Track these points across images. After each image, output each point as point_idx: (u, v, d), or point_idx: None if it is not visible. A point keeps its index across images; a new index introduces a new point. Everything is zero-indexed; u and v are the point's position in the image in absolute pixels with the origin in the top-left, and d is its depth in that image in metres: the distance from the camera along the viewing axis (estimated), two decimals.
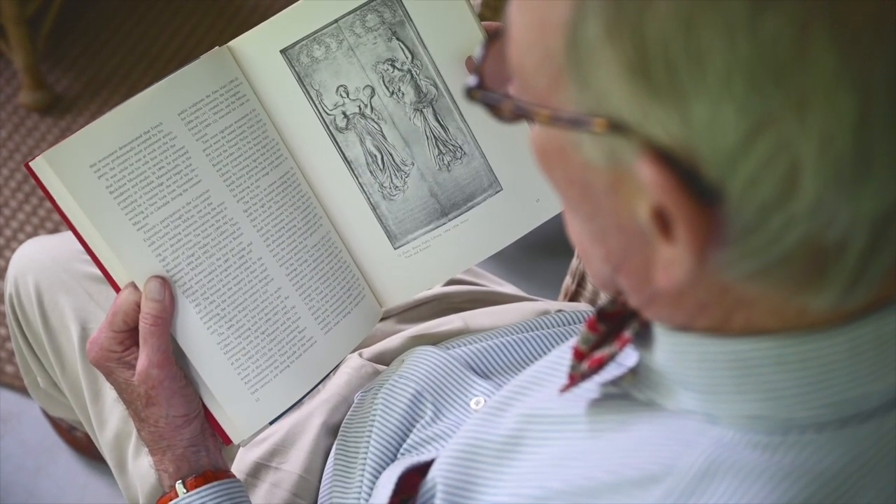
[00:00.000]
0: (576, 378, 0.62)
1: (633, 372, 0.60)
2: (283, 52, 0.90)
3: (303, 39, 0.89)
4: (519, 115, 0.52)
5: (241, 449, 1.00)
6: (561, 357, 0.70)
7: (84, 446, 1.64)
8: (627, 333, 0.60)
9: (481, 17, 0.91)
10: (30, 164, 0.81)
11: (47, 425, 1.69)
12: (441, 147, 0.93)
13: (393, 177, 0.93)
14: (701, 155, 0.45)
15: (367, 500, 0.87)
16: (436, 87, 0.91)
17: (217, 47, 0.89)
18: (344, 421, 0.96)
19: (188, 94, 0.85)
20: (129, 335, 0.83)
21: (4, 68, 2.20)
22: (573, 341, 0.65)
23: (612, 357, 0.60)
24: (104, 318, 0.84)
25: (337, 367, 0.99)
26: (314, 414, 0.99)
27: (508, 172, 0.93)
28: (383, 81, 0.91)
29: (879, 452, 0.53)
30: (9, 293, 1.19)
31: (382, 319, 1.07)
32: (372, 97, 0.91)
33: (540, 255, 1.74)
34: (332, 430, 0.98)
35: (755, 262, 0.48)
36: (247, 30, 0.90)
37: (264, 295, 0.87)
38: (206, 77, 0.87)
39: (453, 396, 0.90)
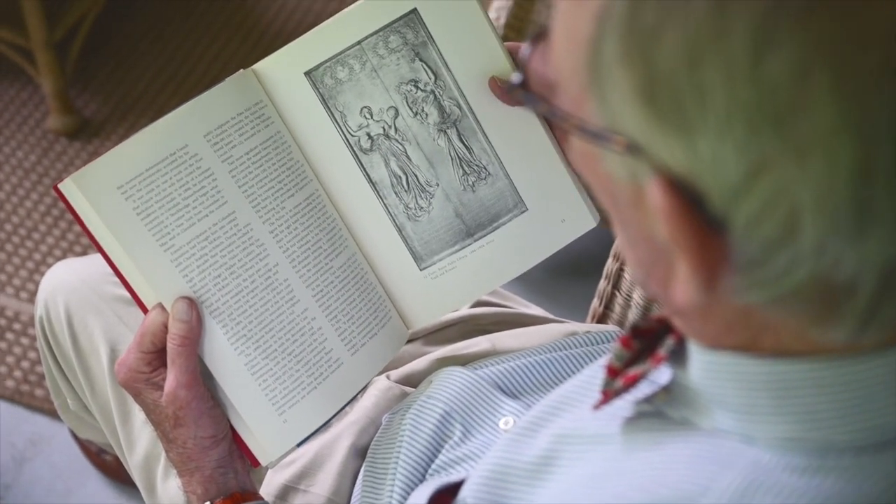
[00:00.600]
0: (609, 395, 0.62)
1: (667, 390, 0.60)
2: (307, 74, 0.90)
3: (327, 61, 0.90)
4: (552, 119, 0.52)
5: (269, 471, 1.00)
6: (592, 376, 0.70)
7: (113, 470, 1.65)
8: (662, 351, 0.59)
9: (504, 39, 0.91)
10: (58, 186, 0.81)
11: (77, 449, 1.70)
12: (465, 167, 0.93)
13: (418, 198, 0.93)
14: (706, 186, 0.45)
15: None
16: (459, 107, 0.91)
17: (241, 70, 0.89)
18: (372, 443, 0.96)
19: (213, 117, 0.86)
20: (157, 356, 0.84)
21: (33, 93, 2.22)
22: (604, 360, 0.65)
23: (645, 375, 0.60)
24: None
25: (364, 388, 0.99)
26: (342, 436, 0.99)
27: (534, 193, 0.93)
28: (407, 102, 0.91)
29: None
30: (39, 315, 1.19)
31: (409, 341, 1.07)
32: (396, 118, 0.92)
33: (567, 278, 1.73)
34: (360, 453, 0.98)
35: (767, 293, 0.48)
36: (272, 52, 0.90)
37: (291, 316, 0.87)
38: (231, 99, 0.87)
39: (482, 416, 0.90)
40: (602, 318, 1.20)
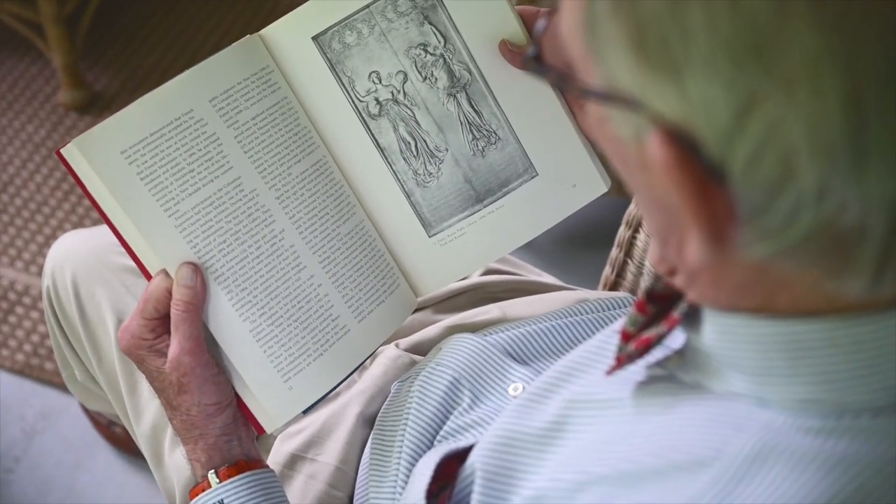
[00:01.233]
0: (623, 360, 0.61)
1: (680, 353, 0.59)
2: (314, 38, 0.89)
3: (334, 26, 0.89)
4: (560, 86, 0.53)
5: (276, 440, 1.00)
6: (604, 342, 0.69)
7: (123, 442, 1.65)
8: (676, 314, 0.58)
9: (518, 4, 0.90)
10: (61, 150, 0.80)
11: (86, 421, 1.70)
12: (475, 132, 0.91)
13: (427, 163, 0.92)
14: (701, 132, 0.45)
15: (403, 489, 0.86)
16: (469, 71, 0.90)
17: (248, 35, 0.88)
18: (381, 411, 0.95)
19: (219, 82, 0.85)
20: (160, 323, 0.83)
21: (44, 67, 2.22)
22: (617, 325, 0.64)
23: (659, 338, 0.59)
24: None
25: (372, 356, 0.99)
26: (350, 404, 0.98)
27: (544, 158, 0.92)
28: (416, 67, 0.90)
29: None
30: (46, 286, 1.19)
31: (419, 310, 1.07)
32: (405, 83, 0.90)
33: (578, 246, 1.72)
34: (368, 421, 0.98)
35: (776, 244, 0.47)
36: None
37: (297, 282, 0.86)
38: (237, 64, 0.86)
39: (491, 383, 0.89)
40: (614, 286, 1.19)
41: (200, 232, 0.83)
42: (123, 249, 0.84)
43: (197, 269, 0.82)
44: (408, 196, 0.93)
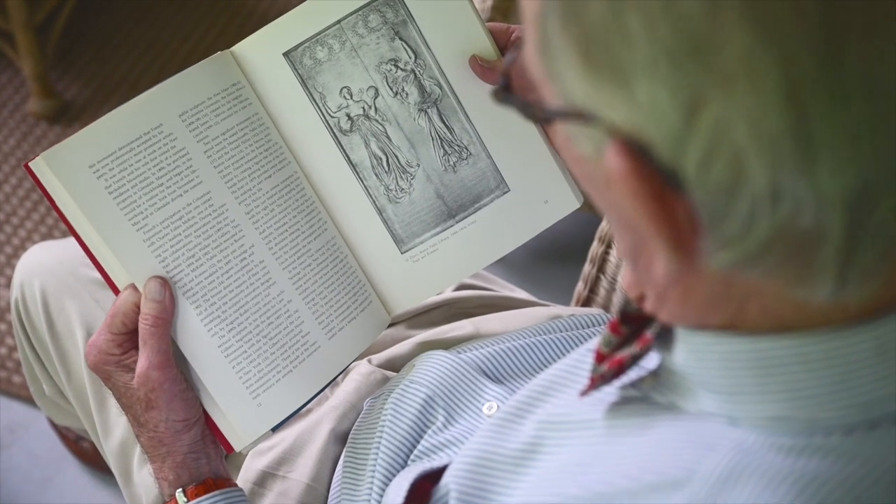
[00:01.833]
0: (596, 380, 0.61)
1: (654, 374, 0.59)
2: (285, 54, 0.89)
3: (305, 41, 0.88)
4: (525, 113, 0.52)
5: (247, 457, 0.99)
6: (578, 361, 0.69)
7: (91, 457, 1.63)
8: (649, 333, 0.58)
9: (490, 21, 0.90)
10: (29, 164, 0.80)
11: (55, 436, 1.68)
12: (446, 147, 0.91)
13: (398, 179, 0.92)
14: (652, 138, 0.45)
15: None
16: (440, 86, 0.90)
17: (219, 51, 0.88)
18: (353, 428, 0.95)
19: (189, 96, 0.84)
20: (128, 338, 0.82)
21: (13, 76, 2.20)
22: (591, 344, 0.64)
23: (633, 359, 0.59)
24: None
25: (345, 373, 0.98)
26: (322, 421, 0.98)
27: (516, 173, 0.92)
28: (387, 82, 0.90)
29: None
30: (14, 298, 1.18)
31: (392, 325, 1.06)
32: (376, 98, 0.90)
33: (551, 262, 1.72)
34: (340, 438, 0.97)
35: (738, 252, 0.47)
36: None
37: (266, 298, 0.86)
38: (207, 80, 0.86)
39: (465, 401, 0.89)
40: (587, 302, 1.19)
41: (169, 246, 0.82)
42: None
43: (165, 283, 0.81)
44: (379, 212, 0.92)
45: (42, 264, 1.16)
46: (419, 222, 0.93)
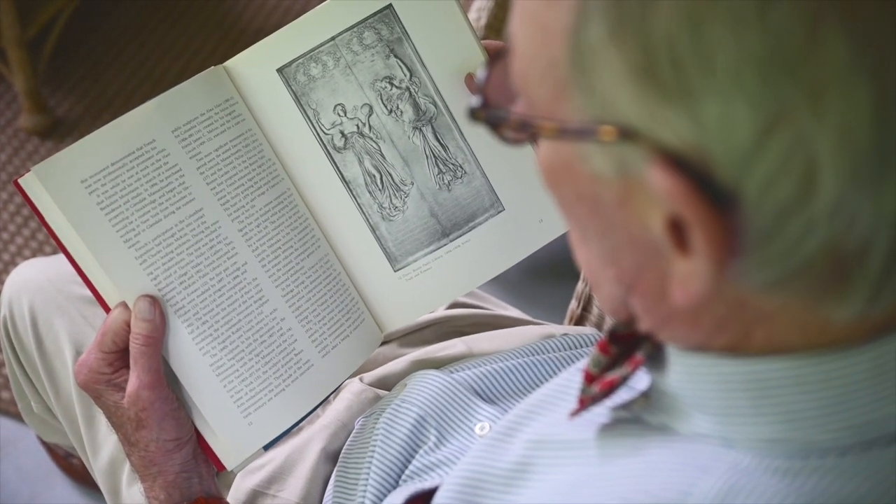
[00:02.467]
0: (586, 401, 0.60)
1: (645, 395, 0.58)
2: (279, 70, 0.88)
3: (299, 58, 0.88)
4: (524, 131, 0.50)
5: (237, 476, 0.98)
6: (568, 381, 0.68)
7: (80, 474, 1.62)
8: (640, 355, 0.58)
9: (484, 39, 0.90)
10: (19, 180, 0.79)
11: (43, 452, 1.67)
12: (441, 166, 0.91)
13: (392, 197, 0.91)
14: (714, 157, 0.44)
15: None
16: (435, 104, 0.89)
17: (212, 67, 0.88)
18: (344, 447, 0.94)
19: (182, 112, 0.84)
20: (119, 356, 0.81)
21: (5, 91, 2.19)
22: (581, 364, 0.63)
23: (623, 380, 0.58)
24: None
25: (337, 391, 0.98)
26: (313, 440, 0.97)
27: (510, 192, 0.91)
28: (381, 99, 0.89)
29: None
30: (3, 315, 1.17)
31: (384, 343, 1.06)
32: (370, 116, 0.90)
33: (544, 279, 1.72)
34: (331, 457, 0.96)
35: (775, 271, 0.46)
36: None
37: (259, 316, 0.85)
38: (200, 95, 0.85)
39: (457, 421, 0.88)
40: (580, 320, 1.19)
41: (161, 264, 0.81)
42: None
43: (155, 302, 0.81)
44: (373, 230, 0.92)
45: (31, 281, 1.15)
46: (413, 240, 0.92)
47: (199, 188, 0.83)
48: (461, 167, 0.91)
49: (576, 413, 0.61)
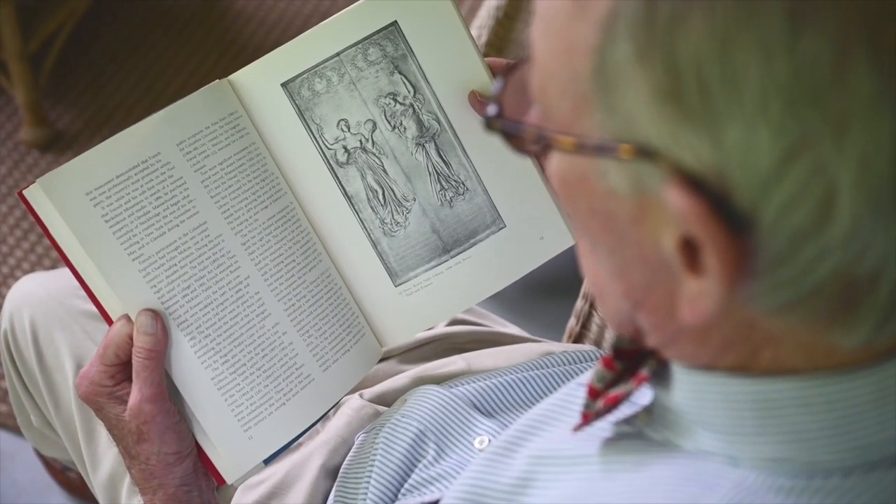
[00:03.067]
0: (590, 417, 0.60)
1: (648, 411, 0.59)
2: (283, 85, 0.89)
3: (304, 73, 0.88)
4: (540, 144, 0.50)
5: (237, 491, 0.98)
6: (570, 395, 0.68)
7: (77, 487, 1.62)
8: (644, 371, 0.58)
9: (486, 56, 0.90)
10: (23, 192, 0.79)
11: (40, 466, 1.67)
12: (443, 182, 0.91)
13: (394, 212, 0.92)
14: (733, 180, 0.44)
15: None
16: (438, 121, 0.90)
17: (217, 80, 0.88)
18: (344, 463, 0.94)
19: (187, 125, 0.84)
20: (120, 369, 0.81)
21: (6, 104, 2.20)
22: (584, 379, 0.63)
23: (627, 395, 0.58)
24: None
25: (336, 407, 0.98)
26: (313, 455, 0.97)
27: (512, 209, 0.92)
28: (385, 116, 0.90)
29: None
30: (3, 329, 1.17)
31: (384, 360, 1.06)
32: (373, 131, 0.90)
33: (543, 297, 1.72)
34: (331, 473, 0.96)
35: (785, 295, 0.47)
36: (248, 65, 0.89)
37: (261, 330, 0.85)
38: (205, 109, 0.86)
39: (457, 435, 0.88)
40: (579, 338, 1.19)
41: (164, 277, 0.82)
42: (84, 293, 0.83)
43: (157, 316, 0.81)
44: (374, 245, 0.92)
45: (32, 295, 1.15)
46: (414, 256, 0.93)
47: (203, 201, 0.84)
48: (463, 184, 0.91)
49: (579, 427, 0.61)
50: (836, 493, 0.51)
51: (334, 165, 0.90)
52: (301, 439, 0.91)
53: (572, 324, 1.20)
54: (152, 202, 0.82)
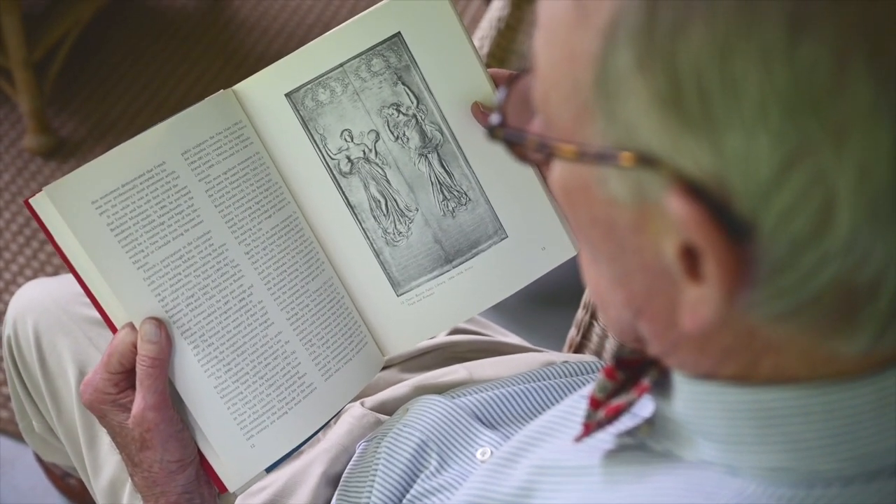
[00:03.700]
0: (591, 427, 0.60)
1: (650, 422, 0.59)
2: (287, 95, 0.89)
3: (308, 83, 0.89)
4: (541, 152, 0.50)
5: (238, 498, 0.98)
6: (572, 407, 0.69)
7: (77, 494, 1.62)
8: (646, 381, 0.58)
9: (488, 67, 0.91)
10: (29, 200, 0.80)
11: (40, 472, 1.67)
12: (446, 193, 0.92)
13: (397, 222, 0.92)
14: (733, 188, 0.44)
15: None
16: (441, 132, 0.90)
17: (222, 90, 0.88)
18: (346, 471, 0.94)
19: (192, 135, 0.85)
20: (124, 377, 0.82)
21: (10, 112, 2.20)
22: (585, 391, 0.63)
23: (629, 405, 0.58)
24: None
25: (338, 415, 0.98)
26: (314, 463, 0.97)
27: (514, 220, 0.92)
28: (388, 126, 0.90)
29: None
30: (7, 335, 1.17)
31: (385, 368, 1.06)
32: (377, 142, 0.91)
33: (543, 307, 1.72)
34: (332, 481, 0.97)
35: (785, 303, 0.47)
36: (252, 75, 0.89)
37: (264, 339, 0.86)
38: (210, 118, 0.86)
39: (459, 446, 0.89)
40: (579, 348, 1.19)
41: (168, 285, 0.82)
42: (88, 300, 0.83)
43: (161, 325, 0.81)
44: (377, 254, 0.93)
45: (35, 301, 1.16)
46: (416, 266, 0.93)
47: (207, 211, 0.84)
48: (466, 194, 0.92)
49: (581, 438, 0.61)
50: (836, 503, 0.51)
51: (337, 175, 0.91)
52: (303, 447, 0.91)
53: (573, 334, 1.20)
54: (157, 211, 0.82)
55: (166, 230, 0.82)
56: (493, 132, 0.53)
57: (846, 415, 0.50)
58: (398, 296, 0.93)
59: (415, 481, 0.88)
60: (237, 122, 0.88)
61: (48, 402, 1.13)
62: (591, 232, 0.52)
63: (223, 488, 0.85)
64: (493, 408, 0.92)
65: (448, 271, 0.93)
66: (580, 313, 1.19)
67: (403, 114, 0.90)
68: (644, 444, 0.59)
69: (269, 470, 0.86)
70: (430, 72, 0.89)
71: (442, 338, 1.10)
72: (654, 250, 0.48)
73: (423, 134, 0.90)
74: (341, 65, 0.88)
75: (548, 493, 0.63)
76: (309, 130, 0.90)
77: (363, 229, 0.92)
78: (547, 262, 0.94)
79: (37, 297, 1.16)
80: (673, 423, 0.57)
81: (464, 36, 0.88)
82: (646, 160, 0.45)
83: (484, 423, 0.91)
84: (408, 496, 0.87)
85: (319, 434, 0.97)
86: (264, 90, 0.89)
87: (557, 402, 0.88)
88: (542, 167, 0.90)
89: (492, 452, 0.87)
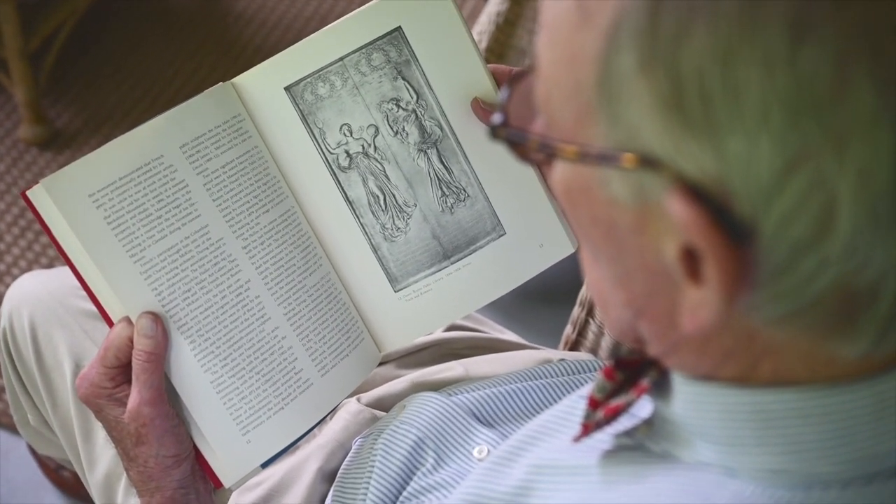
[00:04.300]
0: (590, 427, 0.60)
1: (648, 423, 0.59)
2: (286, 89, 0.89)
3: (307, 77, 0.89)
4: (543, 152, 0.50)
5: (234, 493, 0.98)
6: (571, 407, 0.68)
7: (71, 487, 1.62)
8: (645, 382, 0.58)
9: (488, 62, 0.90)
10: (26, 192, 0.79)
11: (34, 464, 1.66)
12: (444, 189, 0.91)
13: (395, 218, 0.92)
14: (734, 191, 0.44)
15: None
16: (440, 128, 0.90)
17: (221, 83, 0.88)
18: (342, 467, 0.94)
19: (190, 128, 0.84)
20: (120, 371, 0.81)
21: (5, 102, 2.20)
22: (584, 391, 0.63)
23: (628, 406, 0.58)
24: None
25: (334, 411, 0.98)
26: (310, 459, 0.97)
27: (512, 216, 0.92)
28: (387, 121, 0.90)
29: None
30: (2, 326, 1.17)
31: (381, 364, 1.06)
32: (376, 136, 0.90)
33: (539, 304, 1.72)
34: (328, 476, 0.96)
35: (785, 306, 0.47)
36: (251, 68, 0.89)
37: (261, 334, 0.85)
38: (208, 111, 0.86)
39: (456, 444, 0.89)
40: (575, 345, 1.19)
41: (165, 279, 0.82)
42: (84, 292, 0.83)
43: (157, 319, 0.81)
44: (375, 250, 0.92)
45: (31, 293, 1.15)
46: (414, 262, 0.93)
47: (204, 205, 0.84)
48: (464, 190, 0.91)
49: (579, 438, 0.61)
50: None
51: (336, 170, 0.91)
52: (298, 443, 0.91)
53: (569, 331, 1.20)
54: (154, 205, 0.82)
55: (163, 224, 0.82)
56: (495, 132, 0.53)
57: (845, 417, 0.50)
58: (395, 291, 0.93)
59: (411, 478, 0.88)
60: (236, 116, 0.87)
61: (44, 395, 1.12)
62: (592, 232, 0.52)
63: (218, 483, 0.85)
64: (490, 406, 0.92)
65: (446, 267, 0.93)
66: (576, 310, 1.19)
67: (403, 109, 0.90)
68: (642, 445, 0.59)
69: (265, 465, 0.86)
70: (431, 67, 0.88)
71: (438, 334, 1.10)
72: (654, 251, 0.48)
73: (422, 129, 0.90)
74: (341, 59, 0.88)
75: (546, 492, 0.63)
76: (308, 124, 0.89)
77: (361, 224, 0.92)
78: (544, 259, 0.93)
79: (33, 289, 1.16)
80: (671, 424, 0.57)
81: (465, 31, 0.88)
82: (647, 162, 0.45)
83: (481, 421, 0.91)
84: (404, 493, 0.87)
85: (315, 430, 0.97)
86: (263, 83, 0.89)
87: (555, 400, 0.88)
88: (542, 167, 0.89)
89: (489, 450, 0.87)
